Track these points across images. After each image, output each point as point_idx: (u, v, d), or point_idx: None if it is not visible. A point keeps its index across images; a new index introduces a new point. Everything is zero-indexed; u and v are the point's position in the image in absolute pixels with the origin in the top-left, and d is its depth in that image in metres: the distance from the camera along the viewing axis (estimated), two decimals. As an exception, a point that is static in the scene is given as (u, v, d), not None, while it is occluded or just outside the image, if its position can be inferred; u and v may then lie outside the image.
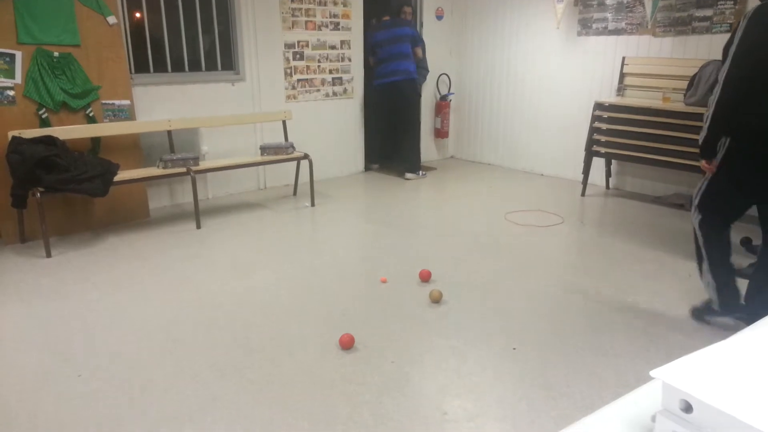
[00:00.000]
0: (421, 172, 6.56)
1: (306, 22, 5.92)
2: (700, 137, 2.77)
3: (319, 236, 4.68)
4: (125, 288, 3.55)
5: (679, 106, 4.97)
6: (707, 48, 5.08)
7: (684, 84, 5.05)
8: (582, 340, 2.91)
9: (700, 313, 3.07)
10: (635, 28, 5.60)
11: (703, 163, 2.84)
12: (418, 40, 6.38)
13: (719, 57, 4.59)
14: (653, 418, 0.86)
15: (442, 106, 7.27)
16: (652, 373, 0.84)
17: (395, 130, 6.59)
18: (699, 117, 4.78)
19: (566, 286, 3.59)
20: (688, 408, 0.79)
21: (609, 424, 0.92)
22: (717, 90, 2.64)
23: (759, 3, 2.59)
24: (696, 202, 2.91)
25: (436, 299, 3.30)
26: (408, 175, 6.50)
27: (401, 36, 6.19)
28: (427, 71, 6.77)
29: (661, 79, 5.37)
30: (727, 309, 2.95)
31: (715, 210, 2.86)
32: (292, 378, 2.57)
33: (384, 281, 3.61)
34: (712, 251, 2.90)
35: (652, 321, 3.11)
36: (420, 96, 6.83)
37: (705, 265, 2.94)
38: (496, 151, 7.20)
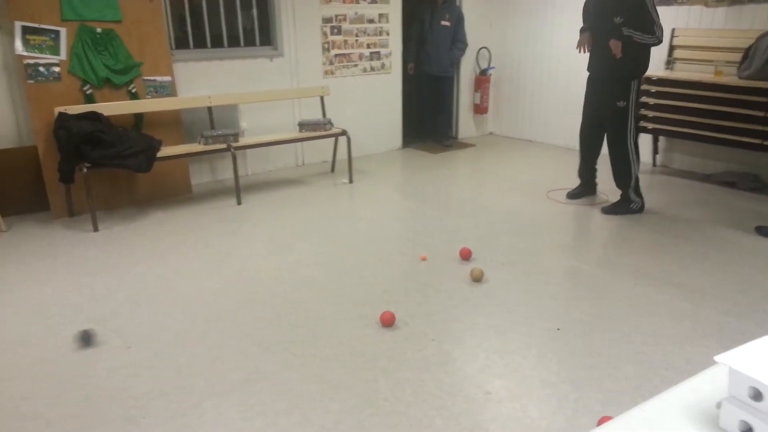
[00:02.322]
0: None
1: (344, -5, 5.85)
2: (641, 37, 4.00)
3: (358, 213, 4.68)
4: (170, 262, 3.63)
5: (733, 80, 4.76)
6: (764, 18, 4.82)
7: (738, 57, 4.83)
8: (627, 321, 2.85)
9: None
10: (687, -2, 5.35)
11: (617, 43, 4.04)
12: None
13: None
14: (718, 405, 0.83)
15: (481, 80, 7.13)
16: (716, 358, 0.81)
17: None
18: (754, 91, 4.58)
19: (610, 265, 3.51)
20: (757, 396, 0.76)
21: (669, 411, 0.89)
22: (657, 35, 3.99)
23: None
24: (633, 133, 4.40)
25: (477, 278, 3.27)
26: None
27: None
28: (466, 45, 6.61)
29: (713, 52, 5.13)
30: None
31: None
32: (334, 353, 2.59)
33: (424, 259, 3.60)
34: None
35: (700, 303, 3.02)
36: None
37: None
38: (536, 127, 7.04)
